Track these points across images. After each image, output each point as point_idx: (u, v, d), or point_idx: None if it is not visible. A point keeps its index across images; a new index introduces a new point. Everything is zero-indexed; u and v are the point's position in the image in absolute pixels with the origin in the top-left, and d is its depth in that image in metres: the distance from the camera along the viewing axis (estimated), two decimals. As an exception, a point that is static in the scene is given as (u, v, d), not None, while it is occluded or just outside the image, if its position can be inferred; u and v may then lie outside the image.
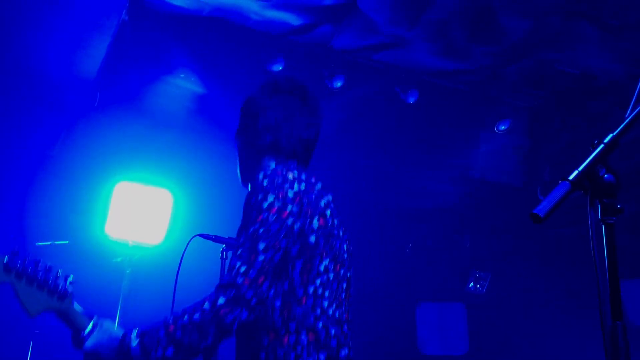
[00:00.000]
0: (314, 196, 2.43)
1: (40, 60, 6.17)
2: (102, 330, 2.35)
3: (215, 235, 4.07)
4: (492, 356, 8.19)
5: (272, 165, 2.56)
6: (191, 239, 3.95)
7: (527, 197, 7.73)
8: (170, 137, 7.03)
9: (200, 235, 4.03)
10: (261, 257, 2.25)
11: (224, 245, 4.11)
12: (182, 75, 6.43)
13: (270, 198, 2.33)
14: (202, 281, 5.33)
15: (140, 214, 6.26)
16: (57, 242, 5.84)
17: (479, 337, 8.17)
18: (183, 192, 6.89)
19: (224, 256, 4.11)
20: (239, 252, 2.28)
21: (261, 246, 2.25)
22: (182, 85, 6.59)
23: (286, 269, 2.32)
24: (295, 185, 2.39)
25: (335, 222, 2.49)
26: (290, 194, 2.36)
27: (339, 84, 6.44)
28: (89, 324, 2.38)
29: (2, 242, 6.32)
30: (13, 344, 6.08)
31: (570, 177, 1.69)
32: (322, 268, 2.38)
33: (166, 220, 6.45)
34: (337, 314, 2.38)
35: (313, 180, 2.50)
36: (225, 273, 2.32)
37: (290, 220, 2.32)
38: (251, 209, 2.35)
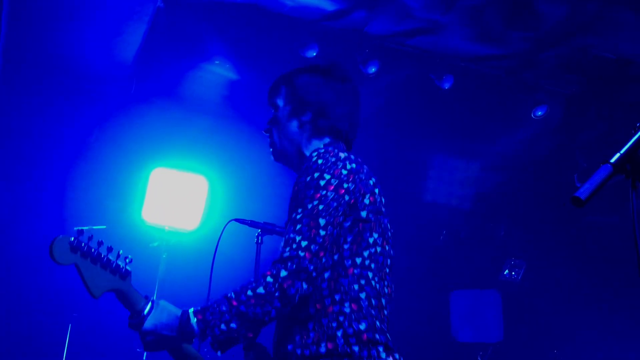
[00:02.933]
0: (364, 175, 2.51)
1: (78, 50, 6.25)
2: (159, 309, 2.39)
3: (250, 220, 4.10)
4: (527, 344, 8.15)
5: (321, 144, 2.65)
6: (227, 223, 3.97)
7: (563, 185, 7.65)
8: (205, 124, 7.08)
9: (236, 220, 4.06)
10: (322, 233, 2.31)
11: (259, 230, 4.14)
12: (217, 62, 6.46)
13: (327, 176, 2.40)
14: (237, 266, 5.38)
15: (177, 200, 6.33)
16: (94, 227, 5.92)
17: (513, 324, 8.12)
18: (218, 177, 6.94)
19: (259, 241, 4.14)
20: (297, 227, 2.32)
21: (322, 222, 2.32)
22: (217, 72, 6.62)
23: (337, 241, 2.40)
24: (348, 164, 2.46)
25: (383, 200, 2.57)
26: (344, 172, 2.43)
27: (373, 70, 6.43)
28: (147, 303, 2.41)
29: (43, 227, 6.44)
30: (52, 327, 6.20)
31: (612, 160, 1.68)
32: (371, 241, 2.45)
33: (202, 206, 6.51)
34: (378, 287, 2.44)
35: (360, 160, 2.57)
36: (281, 248, 2.34)
37: (346, 197, 2.40)
38: (307, 187, 2.40)
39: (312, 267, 2.27)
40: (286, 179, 7.64)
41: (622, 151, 1.69)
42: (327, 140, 2.69)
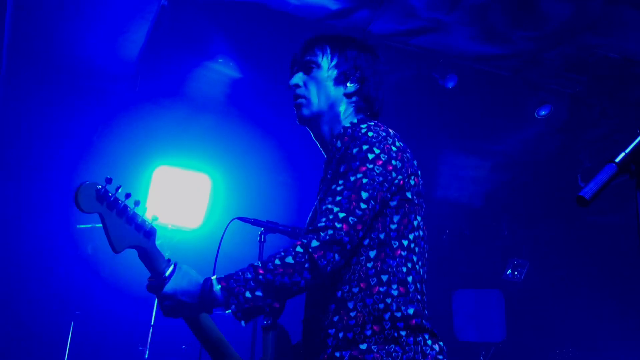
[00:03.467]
0: (410, 155, 2.44)
1: (82, 48, 6.26)
2: (181, 273, 2.25)
3: (253, 219, 4.11)
4: (529, 344, 8.14)
5: (355, 120, 2.54)
6: (230, 222, 3.98)
7: (566, 184, 7.65)
8: (208, 122, 7.08)
9: (239, 218, 4.07)
10: (363, 206, 2.20)
11: (262, 229, 4.14)
12: (220, 61, 6.46)
13: (376, 150, 2.29)
14: (240, 264, 5.37)
15: (180, 198, 6.34)
16: (97, 225, 5.93)
17: (516, 324, 8.12)
18: (222, 176, 6.95)
19: (262, 239, 4.15)
20: (337, 199, 2.22)
21: (364, 195, 2.21)
22: (221, 71, 6.62)
23: (384, 220, 2.30)
24: (397, 142, 2.39)
25: (422, 183, 2.48)
26: (394, 148, 2.35)
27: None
28: (168, 266, 2.28)
29: (47, 224, 6.45)
30: (55, 325, 6.21)
31: (617, 160, 1.67)
32: (415, 224, 2.37)
33: (205, 204, 6.52)
34: (422, 272, 2.37)
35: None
36: (317, 218, 2.24)
37: (393, 174, 2.30)
38: (353, 158, 2.29)
39: (347, 239, 2.16)
40: (290, 177, 7.66)
41: (627, 151, 1.68)
42: (364, 112, 2.60)
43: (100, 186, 2.16)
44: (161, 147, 6.76)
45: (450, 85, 6.62)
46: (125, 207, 2.22)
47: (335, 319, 2.24)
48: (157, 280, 2.26)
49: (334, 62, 2.60)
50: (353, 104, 2.59)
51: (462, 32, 6.14)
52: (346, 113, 2.58)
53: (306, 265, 2.12)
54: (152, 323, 5.68)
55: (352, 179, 2.25)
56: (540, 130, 7.39)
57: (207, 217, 6.55)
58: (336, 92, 2.58)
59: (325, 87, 2.58)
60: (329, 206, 2.22)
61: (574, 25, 5.91)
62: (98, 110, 6.78)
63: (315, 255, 2.12)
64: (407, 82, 6.80)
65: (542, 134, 7.44)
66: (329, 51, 2.63)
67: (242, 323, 2.20)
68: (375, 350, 2.16)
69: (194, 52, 6.36)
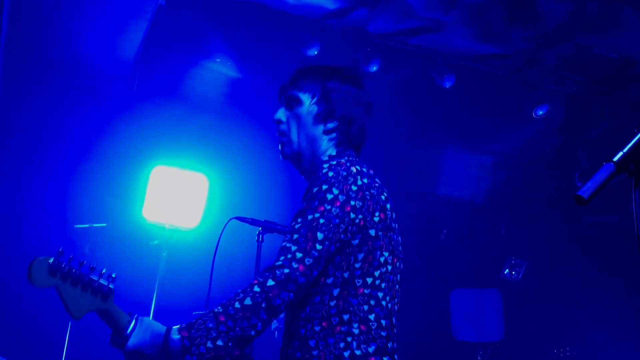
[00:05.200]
0: (375, 191, 2.43)
1: (80, 47, 6.25)
2: (143, 327, 2.29)
3: (251, 218, 4.10)
4: (527, 344, 8.14)
5: (334, 152, 2.57)
6: (228, 221, 3.97)
7: (564, 184, 7.65)
8: (206, 122, 7.08)
9: (237, 218, 4.06)
10: (318, 247, 2.24)
11: (260, 228, 4.14)
12: (218, 60, 6.45)
13: (335, 191, 2.32)
14: (238, 264, 5.38)
15: (177, 198, 6.32)
16: (95, 225, 5.93)
17: (514, 324, 8.12)
18: (219, 175, 6.94)
19: (260, 239, 4.14)
20: (294, 237, 2.27)
21: (320, 236, 2.25)
22: (219, 70, 6.62)
23: (348, 259, 2.32)
24: (359, 180, 2.37)
25: (393, 215, 2.49)
26: (354, 188, 2.35)
27: (374, 69, 6.42)
28: (130, 321, 2.31)
29: (44, 224, 6.44)
30: (52, 326, 6.20)
31: (615, 159, 1.67)
32: (382, 260, 2.38)
33: (202, 204, 6.51)
34: (389, 306, 2.38)
35: (372, 172, 2.49)
36: (276, 254, 2.28)
37: (352, 215, 2.32)
38: (313, 197, 2.33)
39: (302, 280, 2.21)
40: (287, 177, 7.65)
41: (625, 150, 1.68)
42: (340, 146, 2.60)
43: (52, 260, 2.24)
44: (159, 147, 6.75)
45: (448, 84, 6.62)
46: (80, 274, 2.27)
47: (298, 355, 2.30)
48: (120, 337, 2.30)
49: (315, 99, 2.61)
50: (333, 140, 2.61)
51: (460, 32, 6.15)
52: (326, 148, 2.60)
53: (263, 304, 2.18)
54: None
55: (310, 217, 2.29)
56: (538, 130, 7.39)
57: (204, 216, 6.53)
58: (316, 129, 2.60)
59: (305, 125, 2.61)
60: (287, 244, 2.27)
61: (572, 25, 5.92)
62: (95, 110, 6.77)
63: (271, 294, 2.17)
64: (405, 82, 6.81)
65: (540, 134, 7.45)
66: (309, 87, 2.63)
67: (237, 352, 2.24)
68: None
69: (192, 51, 6.36)
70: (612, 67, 6.44)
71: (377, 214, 2.39)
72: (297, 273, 2.20)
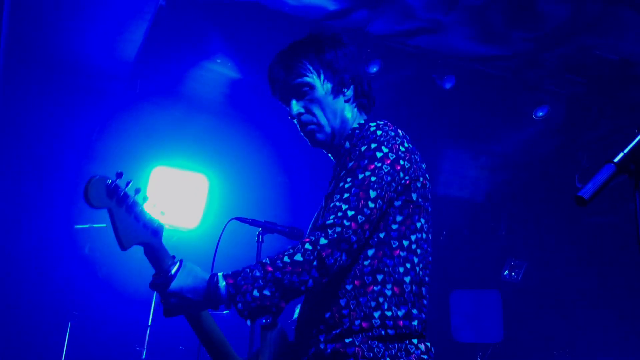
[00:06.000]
0: (418, 157, 2.44)
1: (80, 47, 6.25)
2: (187, 271, 2.18)
3: (251, 219, 4.10)
4: (527, 344, 8.14)
5: (362, 120, 2.56)
6: (228, 222, 3.97)
7: (564, 185, 7.65)
8: (206, 123, 7.08)
9: (237, 218, 4.06)
10: (371, 205, 2.19)
11: (260, 229, 4.14)
12: (218, 61, 6.45)
13: (385, 149, 2.29)
14: (238, 264, 5.37)
15: (177, 198, 6.33)
16: (95, 225, 5.93)
17: (514, 325, 8.12)
18: (219, 176, 6.94)
19: (260, 240, 4.15)
20: (345, 196, 2.20)
21: (372, 194, 2.20)
22: (219, 71, 6.62)
23: (386, 219, 2.29)
24: (406, 142, 2.38)
25: (429, 186, 2.47)
26: (402, 149, 2.34)
27: (374, 69, 6.42)
28: (174, 263, 2.20)
29: (44, 224, 6.44)
30: (52, 325, 6.20)
31: (616, 160, 1.67)
32: (419, 225, 2.36)
33: (202, 204, 6.52)
34: (421, 274, 2.35)
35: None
36: (324, 216, 2.22)
37: (401, 174, 2.29)
38: (362, 156, 2.28)
39: (355, 239, 2.14)
40: (287, 178, 7.64)
41: (625, 150, 1.68)
42: (363, 113, 2.61)
43: (110, 181, 2.08)
44: (159, 147, 6.75)
45: (448, 85, 6.63)
46: (135, 203, 2.15)
47: (327, 315, 2.25)
48: (163, 277, 2.19)
49: (323, 76, 2.54)
50: (355, 106, 2.59)
51: (461, 33, 6.15)
52: (353, 116, 2.57)
53: (314, 263, 2.10)
54: (149, 323, 5.67)
55: (361, 176, 2.23)
56: (538, 131, 7.39)
57: (204, 217, 6.54)
58: (338, 103, 2.55)
59: (328, 104, 2.53)
60: (337, 203, 2.20)
61: (572, 26, 5.92)
62: (96, 110, 6.78)
63: (324, 253, 2.10)
64: (405, 83, 6.81)
65: (540, 135, 7.45)
66: (311, 67, 2.54)
67: (248, 322, 2.17)
68: (357, 344, 2.18)
69: (192, 52, 6.36)
70: (612, 68, 6.44)
71: (420, 179, 2.39)
72: (350, 231, 2.14)
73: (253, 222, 4.11)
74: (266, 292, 2.09)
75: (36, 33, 5.99)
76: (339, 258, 2.13)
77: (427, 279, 2.39)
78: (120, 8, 5.71)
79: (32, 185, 6.63)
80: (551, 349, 8.16)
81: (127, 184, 2.13)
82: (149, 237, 2.19)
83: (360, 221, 2.16)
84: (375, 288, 2.22)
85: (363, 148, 2.30)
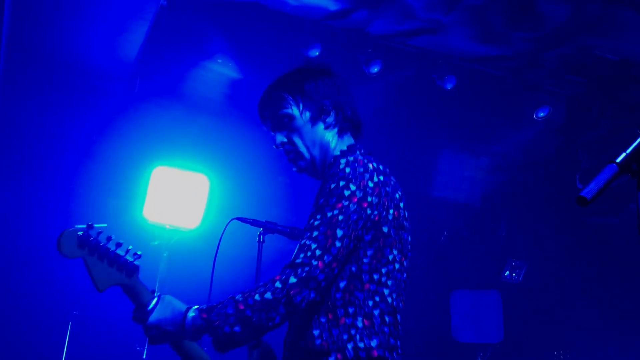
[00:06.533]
0: (390, 188, 2.48)
1: (81, 47, 6.26)
2: (164, 304, 2.37)
3: (252, 219, 4.09)
4: (527, 345, 8.14)
5: (344, 147, 2.63)
6: (229, 222, 3.97)
7: (564, 186, 7.65)
8: (207, 123, 7.07)
9: (238, 218, 4.05)
10: (338, 244, 2.28)
11: (261, 229, 4.13)
12: (219, 61, 6.45)
13: (352, 187, 2.36)
14: (239, 265, 5.38)
15: (178, 198, 6.32)
16: (96, 225, 5.92)
17: (514, 325, 8.11)
18: (220, 176, 6.93)
19: (261, 240, 4.13)
20: (314, 234, 2.30)
21: (339, 233, 2.29)
22: (220, 71, 6.62)
23: (357, 253, 2.38)
24: (375, 176, 2.43)
25: (406, 214, 2.56)
26: (371, 184, 2.40)
27: (375, 70, 6.42)
28: (152, 298, 2.39)
29: (44, 224, 6.43)
30: (52, 325, 6.20)
31: (618, 160, 1.67)
32: (390, 257, 2.43)
33: (203, 205, 6.50)
34: (394, 303, 2.43)
35: (388, 170, 2.55)
36: (295, 253, 2.34)
37: (369, 211, 2.36)
38: (330, 194, 2.36)
39: (322, 277, 2.25)
40: (288, 178, 7.64)
41: (627, 151, 1.68)
42: (350, 140, 2.68)
43: (81, 232, 2.33)
44: (159, 147, 6.74)
45: (448, 86, 6.63)
46: (107, 249, 2.37)
47: (302, 343, 2.35)
48: (141, 312, 2.37)
49: (302, 106, 2.66)
50: (337, 131, 2.67)
51: (461, 33, 6.15)
52: (334, 142, 2.66)
53: (282, 300, 2.22)
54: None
55: (329, 214, 2.33)
56: (538, 132, 7.39)
57: (205, 217, 6.52)
58: (317, 131, 2.65)
59: (307, 133, 2.66)
60: (307, 242, 2.31)
61: (572, 27, 5.92)
62: (96, 110, 6.77)
63: (292, 292, 2.22)
64: (405, 83, 6.81)
65: (541, 135, 7.45)
66: (290, 98, 2.68)
67: (221, 352, 2.32)
68: None
69: (193, 52, 6.36)
70: (613, 68, 6.44)
71: (391, 211, 2.45)
72: (317, 271, 2.24)
73: (254, 223, 4.10)
74: (236, 329, 2.24)
75: (36, 33, 5.99)
76: (306, 296, 2.24)
77: (401, 305, 2.50)
78: (121, 8, 5.71)
79: (32, 185, 6.62)
80: (551, 349, 8.16)
81: (99, 233, 2.37)
82: (124, 278, 2.39)
83: (327, 260, 2.27)
84: (347, 321, 2.33)
85: (332, 185, 2.39)
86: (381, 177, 2.45)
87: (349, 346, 2.28)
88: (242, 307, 2.24)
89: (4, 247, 6.37)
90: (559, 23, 5.90)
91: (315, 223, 2.33)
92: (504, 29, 6.06)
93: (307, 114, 2.65)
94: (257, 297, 2.24)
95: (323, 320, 2.33)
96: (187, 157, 6.77)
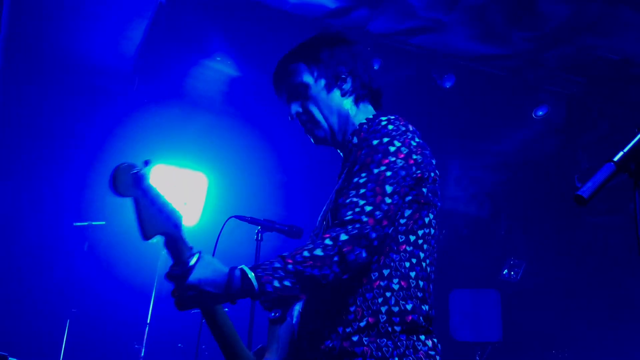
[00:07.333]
0: (429, 152, 2.41)
1: (80, 45, 6.27)
2: (205, 263, 2.09)
3: (250, 217, 4.09)
4: (525, 344, 8.14)
5: (370, 115, 2.52)
6: (227, 220, 3.97)
7: (564, 185, 7.65)
8: (206, 121, 7.07)
9: (236, 216, 4.06)
10: (388, 200, 2.15)
11: (259, 227, 4.13)
12: (218, 59, 6.45)
13: (397, 143, 2.26)
14: (237, 263, 5.35)
15: (176, 196, 6.31)
16: (94, 223, 5.92)
17: (512, 324, 8.11)
18: (218, 174, 6.94)
19: (259, 237, 4.14)
20: (361, 191, 2.16)
21: (389, 189, 2.17)
22: (218, 69, 6.61)
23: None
24: (416, 137, 2.35)
25: (439, 182, 2.45)
26: (414, 143, 2.31)
27: (375, 68, 6.42)
28: (193, 255, 2.12)
29: (42, 223, 6.44)
30: (50, 323, 6.20)
31: (616, 159, 1.66)
32: (427, 220, 2.35)
33: (201, 202, 6.51)
34: (428, 270, 2.33)
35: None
36: (341, 211, 2.16)
37: (414, 168, 2.27)
38: (374, 150, 2.24)
39: (374, 235, 2.09)
40: (286, 176, 7.62)
41: (625, 150, 1.67)
42: (369, 106, 2.58)
43: (136, 169, 2.07)
44: (158, 145, 6.74)
45: (448, 85, 6.63)
46: (158, 193, 2.14)
47: (334, 311, 2.21)
48: (181, 269, 2.10)
49: (317, 74, 2.55)
50: (354, 98, 2.56)
51: (461, 32, 6.15)
52: (353, 110, 2.55)
53: (335, 258, 2.05)
54: (148, 321, 5.67)
55: (376, 171, 2.20)
56: (538, 131, 7.39)
57: (203, 215, 6.53)
58: (334, 98, 2.54)
59: (323, 100, 2.53)
60: (354, 199, 2.16)
61: (572, 26, 5.92)
62: (95, 108, 6.77)
63: (345, 249, 2.06)
64: (405, 82, 6.80)
65: (540, 135, 7.45)
66: (304, 67, 2.58)
67: (272, 314, 2.19)
68: (366, 343, 2.15)
69: (192, 50, 6.35)
70: (612, 68, 6.44)
71: (431, 174, 2.37)
72: (369, 227, 2.09)
73: (252, 220, 4.10)
74: (286, 283, 2.04)
75: (36, 32, 6.00)
76: (359, 254, 2.07)
77: (432, 275, 2.37)
78: (121, 6, 5.71)
79: (31, 183, 6.62)
80: (550, 348, 8.16)
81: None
82: (171, 228, 2.15)
83: (378, 217, 2.12)
84: (382, 283, 2.20)
85: (375, 142, 2.27)
86: (422, 140, 2.37)
87: (383, 309, 2.17)
88: (290, 261, 2.03)
89: (3, 244, 6.37)
90: (559, 23, 5.90)
91: (362, 181, 2.18)
92: (504, 29, 6.06)
93: (322, 81, 2.54)
94: (305, 253, 2.05)
95: (355, 284, 2.18)
96: (186, 155, 6.77)
